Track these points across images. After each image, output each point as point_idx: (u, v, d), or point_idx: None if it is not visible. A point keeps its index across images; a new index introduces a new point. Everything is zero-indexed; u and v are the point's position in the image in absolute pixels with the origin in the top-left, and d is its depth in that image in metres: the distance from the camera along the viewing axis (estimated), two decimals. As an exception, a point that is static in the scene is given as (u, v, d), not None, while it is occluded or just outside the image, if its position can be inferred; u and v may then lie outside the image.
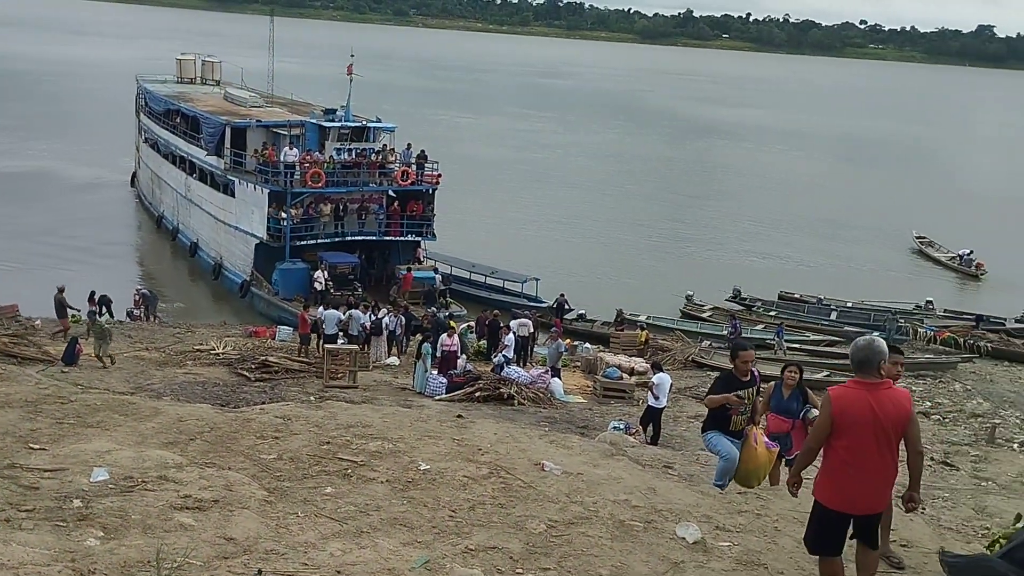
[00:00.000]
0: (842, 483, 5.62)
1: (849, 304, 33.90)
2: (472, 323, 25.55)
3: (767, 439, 8.45)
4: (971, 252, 42.23)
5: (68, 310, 23.70)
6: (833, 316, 32.58)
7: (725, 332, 28.81)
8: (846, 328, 30.70)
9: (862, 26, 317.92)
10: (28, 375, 12.69)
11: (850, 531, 5.81)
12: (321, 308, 23.78)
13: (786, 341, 27.67)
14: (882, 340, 5.78)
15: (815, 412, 8.20)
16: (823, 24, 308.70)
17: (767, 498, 8.08)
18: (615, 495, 7.58)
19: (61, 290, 23.80)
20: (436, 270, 31.93)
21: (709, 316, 32.43)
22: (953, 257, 43.31)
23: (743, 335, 28.79)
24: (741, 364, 8.19)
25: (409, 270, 31.33)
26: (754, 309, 33.45)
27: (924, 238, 46.66)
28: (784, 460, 8.94)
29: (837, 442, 5.58)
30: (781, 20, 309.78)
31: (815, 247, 46.90)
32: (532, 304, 31.18)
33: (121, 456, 7.46)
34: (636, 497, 7.61)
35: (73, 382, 14.15)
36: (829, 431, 5.59)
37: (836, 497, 5.66)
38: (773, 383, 9.34)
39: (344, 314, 23.25)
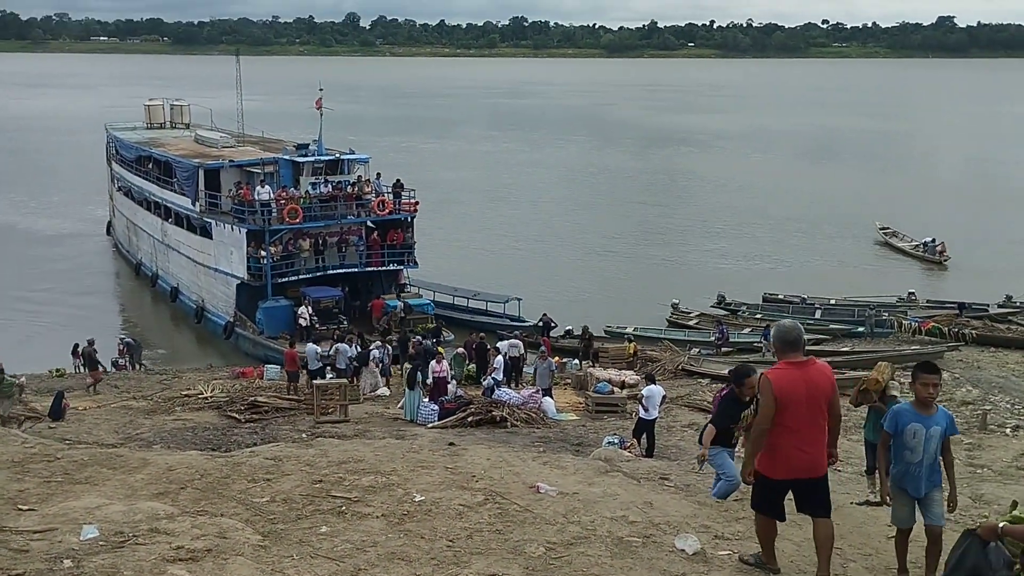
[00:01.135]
0: (782, 456, 6.05)
1: (832, 301, 34.02)
2: (461, 349, 25.45)
3: None
4: (934, 240, 42.64)
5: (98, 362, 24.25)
6: (818, 315, 32.68)
7: (713, 338, 28.95)
8: (831, 326, 30.85)
9: (824, 25, 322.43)
10: (14, 434, 12.51)
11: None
12: (310, 344, 23.71)
13: (773, 342, 27.72)
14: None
15: None
16: (786, 26, 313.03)
17: (764, 503, 8.06)
18: (612, 512, 7.55)
19: (91, 343, 24.05)
20: (398, 297, 31.94)
21: (696, 323, 32.53)
22: (917, 246, 43.71)
23: (731, 339, 28.98)
24: (747, 390, 8.37)
25: (379, 298, 31.48)
26: (739, 313, 33.56)
27: (887, 228, 47.08)
28: None
29: (778, 419, 5.98)
30: (745, 25, 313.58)
31: (790, 246, 47.14)
32: (517, 324, 31.19)
33: (111, 511, 7.34)
34: (633, 512, 7.58)
35: (60, 438, 13.97)
36: (775, 411, 5.95)
37: (779, 469, 6.09)
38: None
39: (330, 348, 23.14)
